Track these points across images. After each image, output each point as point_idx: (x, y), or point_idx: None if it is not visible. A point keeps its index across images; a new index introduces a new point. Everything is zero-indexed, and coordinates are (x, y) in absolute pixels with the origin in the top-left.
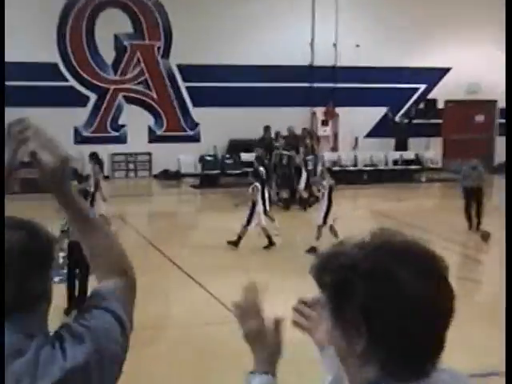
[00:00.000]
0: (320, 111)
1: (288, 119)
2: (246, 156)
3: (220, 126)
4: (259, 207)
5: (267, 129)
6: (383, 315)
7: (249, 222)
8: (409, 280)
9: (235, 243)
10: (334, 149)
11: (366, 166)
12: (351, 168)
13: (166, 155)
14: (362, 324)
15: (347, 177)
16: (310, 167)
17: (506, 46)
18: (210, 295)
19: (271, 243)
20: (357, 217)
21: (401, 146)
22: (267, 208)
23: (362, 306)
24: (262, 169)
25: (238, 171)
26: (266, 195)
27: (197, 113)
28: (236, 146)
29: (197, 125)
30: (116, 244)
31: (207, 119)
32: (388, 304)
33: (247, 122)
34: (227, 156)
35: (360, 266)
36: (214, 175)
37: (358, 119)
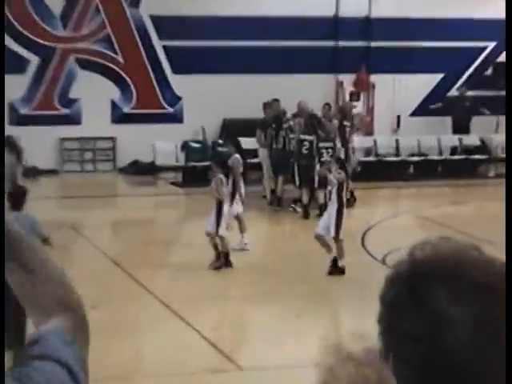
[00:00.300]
0: (348, 80)
1: (304, 91)
2: (247, 142)
3: (210, 100)
4: (226, 208)
5: (274, 104)
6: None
7: (218, 226)
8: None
9: (226, 262)
10: (368, 132)
11: (411, 155)
12: (391, 158)
13: (135, 141)
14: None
15: (386, 170)
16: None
17: (506, 45)
18: (194, 332)
19: (226, 262)
20: (398, 226)
21: (460, 127)
22: (237, 209)
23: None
24: (237, 156)
25: None
26: (243, 191)
27: (178, 82)
28: (232, 129)
29: (178, 99)
30: (56, 271)
31: (193, 91)
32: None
33: (247, 94)
34: (220, 142)
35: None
36: (201, 168)
37: (401, 91)
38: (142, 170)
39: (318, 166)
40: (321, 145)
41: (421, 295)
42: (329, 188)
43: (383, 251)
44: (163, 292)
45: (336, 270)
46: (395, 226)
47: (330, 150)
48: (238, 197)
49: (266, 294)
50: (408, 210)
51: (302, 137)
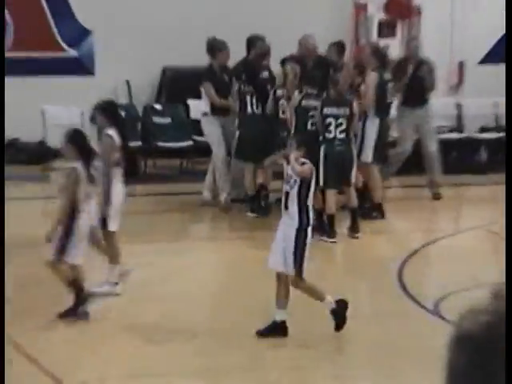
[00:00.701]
0: (377, 1)
1: (300, 23)
2: (202, 105)
3: (141, 36)
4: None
5: (253, 42)
6: None
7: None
8: None
9: (75, 308)
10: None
11: (482, 130)
12: (450, 136)
13: (13, 107)
14: None
15: (440, 157)
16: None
17: (506, 45)
18: None
19: (78, 296)
20: (459, 250)
21: None
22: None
23: None
24: (110, 133)
25: (186, 142)
26: (118, 191)
27: (86, 7)
28: (177, 84)
29: (86, 34)
30: None
31: (111, 21)
32: None
33: (205, 26)
34: (157, 107)
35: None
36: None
37: (467, 21)
38: (24, 156)
39: (322, 148)
40: (328, 111)
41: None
42: (285, 188)
43: (435, 294)
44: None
45: (341, 319)
46: (454, 249)
47: (342, 122)
48: (93, 203)
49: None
50: (477, 223)
51: (305, 102)
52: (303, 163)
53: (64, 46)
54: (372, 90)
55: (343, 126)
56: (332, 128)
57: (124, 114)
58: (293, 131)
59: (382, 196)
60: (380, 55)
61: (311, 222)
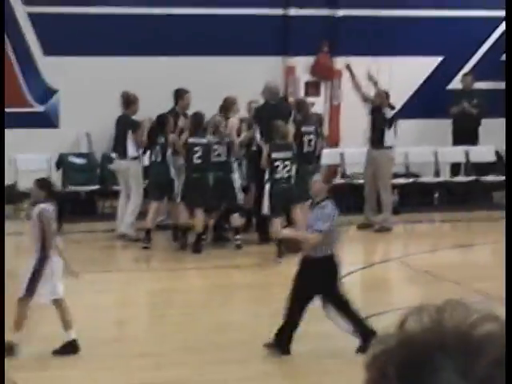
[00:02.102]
0: (303, 65)
1: (236, 82)
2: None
3: (101, 93)
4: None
5: (181, 94)
6: None
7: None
8: None
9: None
10: (333, 141)
11: (395, 176)
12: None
13: None
14: None
15: (357, 198)
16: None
17: (507, 44)
18: None
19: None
20: (374, 280)
21: (465, 136)
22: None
23: None
24: (44, 206)
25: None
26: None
27: (52, 68)
28: None
29: (52, 93)
30: None
31: (74, 81)
32: None
33: (155, 84)
34: (115, 155)
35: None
36: (87, 195)
37: (381, 82)
38: None
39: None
40: (274, 155)
41: (416, 382)
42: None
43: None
44: None
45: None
46: (370, 279)
47: (287, 164)
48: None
49: None
50: (390, 257)
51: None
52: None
53: (32, 102)
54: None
55: (288, 167)
56: (280, 169)
57: (85, 161)
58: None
59: None
60: (301, 109)
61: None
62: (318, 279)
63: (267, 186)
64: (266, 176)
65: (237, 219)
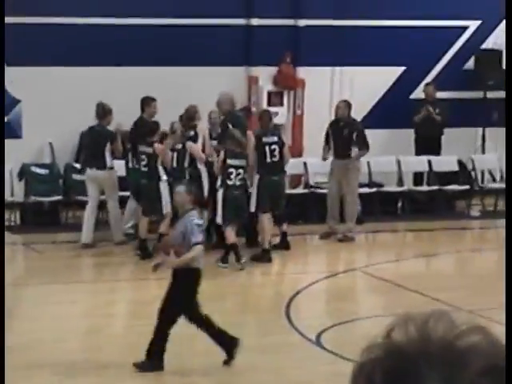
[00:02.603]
0: (266, 75)
1: (198, 92)
2: (120, 164)
3: (64, 104)
4: None
5: (147, 102)
6: None
7: None
8: None
9: None
10: (296, 151)
11: (359, 185)
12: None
13: None
14: None
15: (321, 208)
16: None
17: (506, 44)
18: None
19: None
20: (339, 289)
21: (427, 145)
22: None
23: None
24: None
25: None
26: None
27: (15, 78)
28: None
29: (15, 103)
30: None
31: (37, 91)
32: None
33: (118, 94)
34: (76, 166)
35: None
36: (50, 206)
37: (343, 92)
38: None
39: (220, 191)
40: (229, 162)
41: None
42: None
43: (317, 327)
44: None
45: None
46: (334, 289)
47: (240, 171)
48: None
49: None
50: (354, 266)
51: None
52: None
53: None
54: (252, 152)
55: (241, 175)
56: (233, 176)
57: (48, 171)
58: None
59: (270, 242)
60: (262, 120)
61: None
62: (187, 291)
63: (219, 193)
64: (219, 182)
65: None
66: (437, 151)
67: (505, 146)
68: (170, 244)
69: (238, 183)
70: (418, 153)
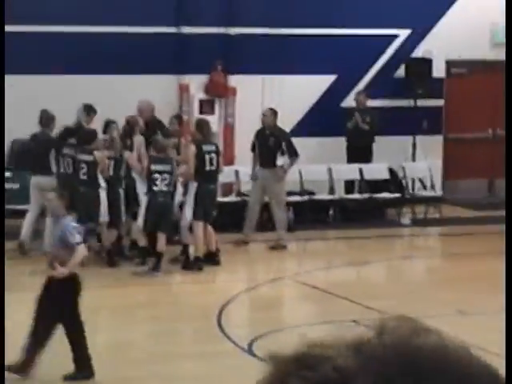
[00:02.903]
0: (197, 83)
1: (129, 101)
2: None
3: None
4: None
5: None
6: None
7: None
8: None
9: None
10: (227, 159)
11: (290, 193)
12: None
13: None
14: None
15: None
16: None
17: (506, 44)
18: None
19: None
20: (270, 297)
21: (359, 153)
22: None
23: None
24: None
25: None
26: None
27: None
28: (24, 154)
29: None
30: None
31: None
32: None
33: (50, 103)
34: (8, 174)
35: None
36: None
37: (274, 100)
38: None
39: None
40: (153, 167)
41: None
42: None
43: (249, 335)
44: None
45: None
46: (266, 297)
47: (166, 177)
48: None
49: None
50: (285, 274)
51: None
52: None
53: None
54: (192, 160)
55: (167, 181)
56: (158, 181)
57: None
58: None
59: (202, 251)
60: (202, 129)
61: None
62: (65, 297)
63: (145, 199)
64: (144, 189)
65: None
66: (368, 159)
67: (505, 146)
68: (54, 255)
69: (164, 189)
70: (350, 161)
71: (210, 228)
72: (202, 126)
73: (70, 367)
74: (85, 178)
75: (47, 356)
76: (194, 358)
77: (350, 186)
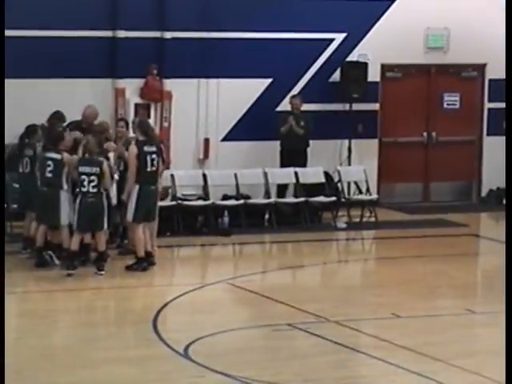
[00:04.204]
0: (133, 87)
1: (64, 104)
2: None
3: None
4: None
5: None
6: None
7: None
8: None
9: None
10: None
11: (225, 198)
12: (196, 203)
13: None
14: None
15: (189, 220)
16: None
17: (506, 44)
18: None
19: None
20: (205, 301)
21: (293, 157)
22: None
23: None
24: None
25: None
26: None
27: None
28: None
29: None
30: None
31: None
32: None
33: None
34: None
35: None
36: None
37: (210, 104)
38: None
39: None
40: (81, 169)
41: None
42: None
43: (186, 339)
44: None
45: None
46: (202, 301)
47: (93, 178)
48: None
49: None
50: (221, 278)
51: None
52: None
53: None
54: (133, 161)
55: (95, 182)
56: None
57: None
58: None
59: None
60: (143, 129)
61: None
62: None
63: (77, 201)
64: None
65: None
66: (302, 163)
67: (505, 147)
68: None
69: (92, 190)
70: (284, 165)
71: (152, 228)
72: (143, 126)
73: None
74: (50, 175)
75: None
76: (130, 363)
77: (284, 190)
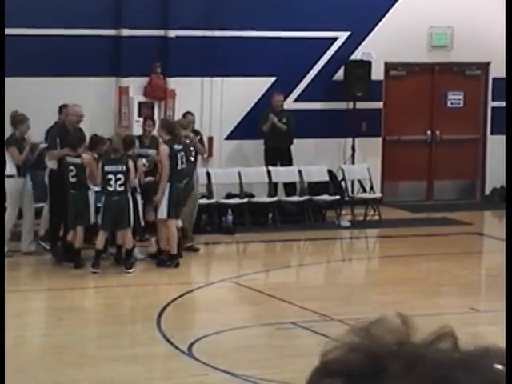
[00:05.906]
0: (137, 86)
1: (72, 101)
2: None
3: None
4: None
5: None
6: None
7: None
8: None
9: None
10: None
11: (230, 196)
12: (200, 201)
13: None
14: None
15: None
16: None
17: (506, 44)
18: None
19: None
20: (209, 300)
21: (278, 155)
22: None
23: None
24: None
25: None
26: None
27: None
28: None
29: None
30: None
31: None
32: None
33: None
34: None
35: None
36: None
37: (214, 103)
38: None
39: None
40: (107, 168)
41: None
42: None
43: (189, 337)
44: None
45: None
46: (206, 299)
47: (119, 177)
48: None
49: None
50: (225, 277)
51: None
52: None
53: None
54: (166, 160)
55: (122, 181)
56: (112, 182)
57: None
58: None
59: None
60: (170, 129)
61: None
62: None
63: (102, 199)
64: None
65: None
66: (287, 161)
67: (505, 148)
68: None
69: (118, 189)
70: (268, 163)
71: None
72: (172, 126)
73: None
74: (74, 180)
75: None
76: (133, 361)
77: (290, 188)
